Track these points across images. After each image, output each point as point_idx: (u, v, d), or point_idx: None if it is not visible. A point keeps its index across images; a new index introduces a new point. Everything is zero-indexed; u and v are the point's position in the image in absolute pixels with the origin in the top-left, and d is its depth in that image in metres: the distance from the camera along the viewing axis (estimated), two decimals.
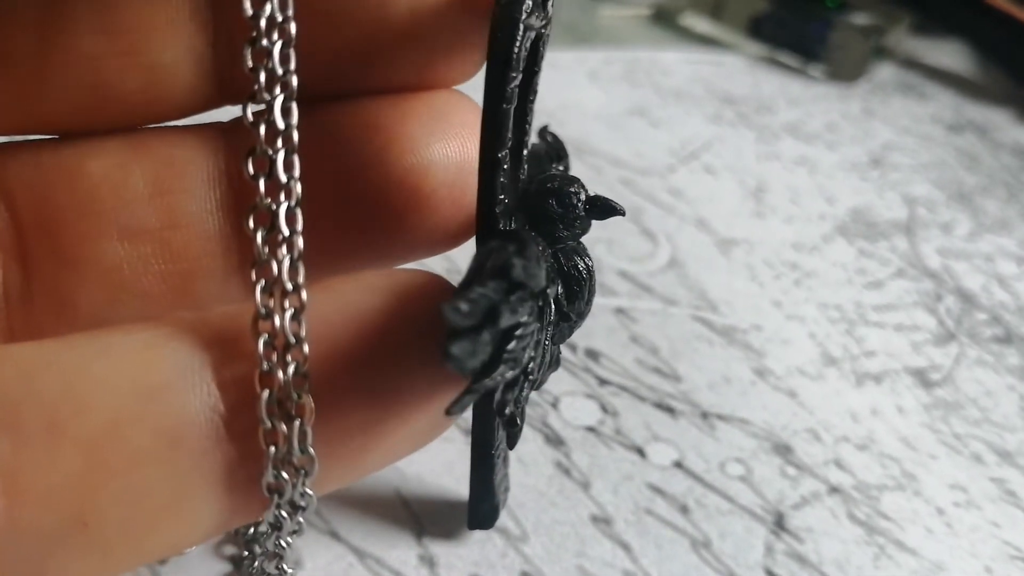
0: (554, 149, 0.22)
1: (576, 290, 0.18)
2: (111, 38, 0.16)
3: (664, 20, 0.48)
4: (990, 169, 0.41)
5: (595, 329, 0.28)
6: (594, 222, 0.20)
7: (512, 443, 0.20)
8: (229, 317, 0.15)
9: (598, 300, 0.21)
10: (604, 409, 0.26)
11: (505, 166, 0.16)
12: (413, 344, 0.15)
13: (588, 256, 0.18)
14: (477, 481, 0.21)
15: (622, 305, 0.30)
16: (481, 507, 0.21)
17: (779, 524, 0.24)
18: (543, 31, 0.17)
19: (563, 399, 0.26)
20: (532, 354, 0.16)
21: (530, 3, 0.15)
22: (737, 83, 0.44)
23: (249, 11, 0.15)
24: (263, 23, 0.15)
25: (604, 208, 0.18)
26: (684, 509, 0.24)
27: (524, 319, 0.15)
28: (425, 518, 0.22)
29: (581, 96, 0.40)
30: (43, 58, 0.15)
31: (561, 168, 0.21)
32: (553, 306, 0.17)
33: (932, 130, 0.43)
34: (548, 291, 0.16)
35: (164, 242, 0.17)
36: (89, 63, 0.16)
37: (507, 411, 0.16)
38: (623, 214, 0.18)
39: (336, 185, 0.17)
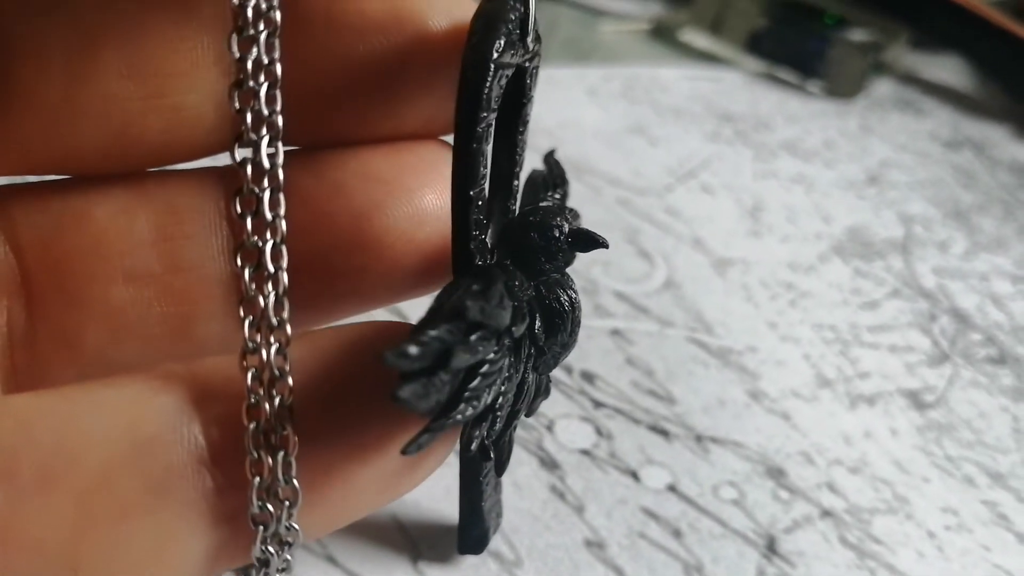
0: (553, 176, 0.22)
1: (558, 323, 0.18)
2: (138, 81, 0.16)
3: (663, 36, 0.49)
4: (987, 187, 0.41)
5: (591, 351, 0.29)
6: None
7: (500, 471, 0.20)
8: (215, 367, 0.16)
9: (594, 322, 0.22)
10: (599, 432, 0.26)
11: (480, 202, 0.16)
12: (379, 388, 0.15)
13: (572, 288, 0.18)
14: (466, 507, 0.21)
15: (618, 327, 0.30)
16: (471, 533, 0.22)
17: (771, 548, 0.24)
18: (527, 64, 0.17)
19: (558, 422, 0.26)
20: (502, 389, 0.16)
21: (501, 42, 0.15)
22: (735, 100, 0.44)
23: (236, 54, 0.15)
24: (250, 65, 0.16)
25: (587, 241, 0.18)
26: (677, 533, 0.24)
27: (489, 357, 0.15)
28: (421, 543, 0.23)
29: (580, 114, 0.41)
30: (70, 99, 0.16)
31: (558, 196, 0.21)
32: (531, 340, 0.17)
33: (929, 147, 0.43)
34: (515, 329, 0.16)
35: (167, 286, 0.17)
36: (115, 105, 0.16)
37: (472, 447, 0.16)
38: (606, 247, 0.18)
39: (328, 234, 0.17)
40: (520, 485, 0.25)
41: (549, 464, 0.25)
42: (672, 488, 0.25)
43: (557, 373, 0.28)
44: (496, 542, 0.23)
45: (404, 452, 0.15)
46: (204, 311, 0.17)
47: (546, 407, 0.27)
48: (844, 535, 0.24)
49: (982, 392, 0.30)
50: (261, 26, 0.16)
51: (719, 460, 0.26)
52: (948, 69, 0.50)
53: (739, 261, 0.34)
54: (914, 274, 0.35)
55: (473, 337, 0.15)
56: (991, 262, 0.36)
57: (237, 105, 0.16)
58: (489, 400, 0.16)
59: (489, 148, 0.16)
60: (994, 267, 0.36)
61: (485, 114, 0.16)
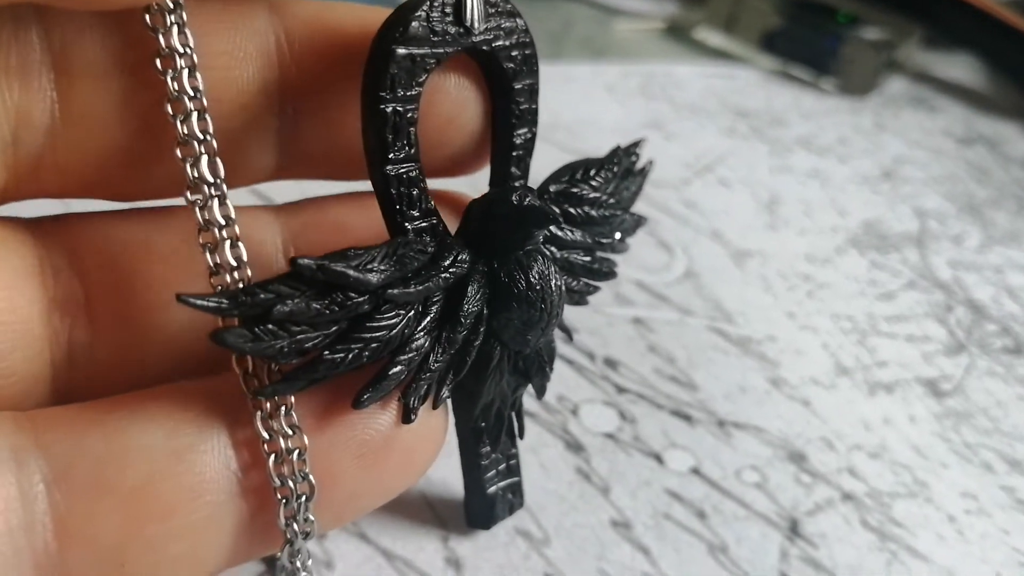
0: (601, 162, 0.22)
1: (509, 300, 0.18)
2: None
3: (678, 34, 0.49)
4: (1000, 182, 0.41)
5: (613, 338, 0.29)
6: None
7: (518, 434, 0.22)
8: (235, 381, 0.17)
9: (616, 310, 0.22)
10: (623, 416, 0.27)
11: (404, 178, 0.18)
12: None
13: (541, 269, 0.19)
14: (468, 482, 0.22)
15: (640, 315, 0.30)
16: (474, 508, 0.23)
17: (794, 530, 0.24)
18: (484, 44, 0.18)
19: (583, 407, 0.27)
20: (414, 351, 0.17)
21: (402, 31, 0.17)
22: (750, 97, 0.45)
23: (170, 115, 0.17)
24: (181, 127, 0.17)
25: (535, 216, 0.18)
26: (701, 514, 0.24)
27: (300, 307, 0.16)
28: (450, 521, 0.23)
29: (598, 110, 0.41)
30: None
31: (594, 180, 0.22)
32: (466, 313, 0.18)
33: (943, 143, 0.44)
34: (391, 292, 0.17)
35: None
36: None
37: (410, 407, 0.18)
38: (556, 222, 0.19)
39: None
40: (547, 467, 0.25)
41: (574, 447, 0.26)
42: (696, 471, 0.25)
43: (580, 359, 0.28)
44: (524, 521, 0.23)
45: (355, 406, 0.17)
46: None
47: (570, 392, 0.27)
48: (865, 518, 0.25)
49: (998, 381, 0.30)
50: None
51: (741, 444, 0.26)
52: (960, 67, 0.50)
53: (757, 253, 0.34)
54: (929, 266, 0.35)
55: (309, 295, 0.16)
56: (1005, 255, 0.36)
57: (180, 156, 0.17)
58: (367, 356, 0.17)
59: (407, 127, 0.17)
60: (1008, 260, 0.36)
61: (386, 94, 0.17)
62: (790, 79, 0.47)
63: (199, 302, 0.15)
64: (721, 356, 0.29)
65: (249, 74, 0.18)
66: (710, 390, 0.28)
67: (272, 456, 0.17)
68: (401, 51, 0.17)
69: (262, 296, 0.16)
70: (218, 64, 0.17)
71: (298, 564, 0.18)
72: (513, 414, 0.22)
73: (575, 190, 0.21)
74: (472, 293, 0.18)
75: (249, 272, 0.17)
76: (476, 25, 0.18)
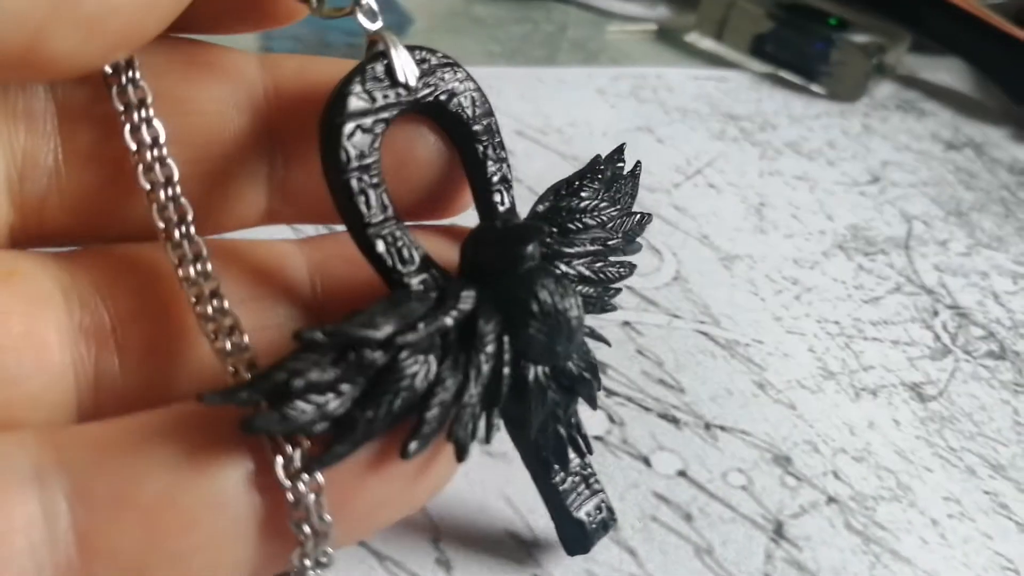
0: (589, 172, 0.22)
1: (520, 319, 0.19)
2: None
3: (670, 38, 0.49)
4: (987, 186, 0.42)
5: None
6: None
7: (585, 450, 0.22)
8: None
9: (605, 314, 0.23)
10: (611, 419, 0.27)
11: (386, 232, 0.18)
12: None
13: (545, 288, 0.19)
14: (550, 508, 0.22)
15: (628, 319, 0.31)
16: (566, 533, 0.23)
17: (779, 532, 0.25)
18: (432, 96, 0.19)
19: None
20: (421, 388, 0.17)
21: (348, 104, 0.18)
22: (740, 100, 0.45)
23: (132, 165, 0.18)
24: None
25: (515, 237, 0.19)
26: (688, 517, 0.25)
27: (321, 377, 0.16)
28: (441, 523, 0.23)
29: (589, 113, 0.42)
30: None
31: (584, 190, 0.22)
32: (485, 340, 0.18)
33: (930, 147, 0.44)
34: (399, 338, 0.17)
35: (259, 346, 0.18)
36: None
37: (456, 442, 0.18)
38: (541, 233, 0.19)
39: None
40: None
41: None
42: (682, 473, 0.26)
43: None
44: (514, 523, 0.24)
45: (403, 457, 0.17)
46: None
47: None
48: (849, 521, 0.25)
49: (983, 385, 0.31)
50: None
51: (728, 447, 0.27)
52: (948, 71, 0.51)
53: (745, 256, 0.35)
54: (916, 270, 0.35)
55: (323, 364, 0.16)
56: (991, 260, 0.37)
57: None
58: (399, 406, 0.17)
59: (375, 192, 0.18)
60: (994, 264, 0.37)
61: (344, 169, 0.18)
62: (780, 83, 0.47)
63: (220, 398, 0.16)
64: (708, 359, 0.30)
65: (239, 122, 0.19)
66: (697, 393, 0.28)
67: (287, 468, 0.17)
68: (348, 126, 0.18)
69: (277, 377, 0.16)
70: (210, 110, 0.18)
71: (307, 564, 0.18)
72: (574, 432, 0.22)
73: (563, 204, 0.21)
74: (484, 323, 0.18)
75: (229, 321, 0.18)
76: (412, 83, 0.19)
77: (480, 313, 0.18)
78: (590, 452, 0.22)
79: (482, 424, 0.19)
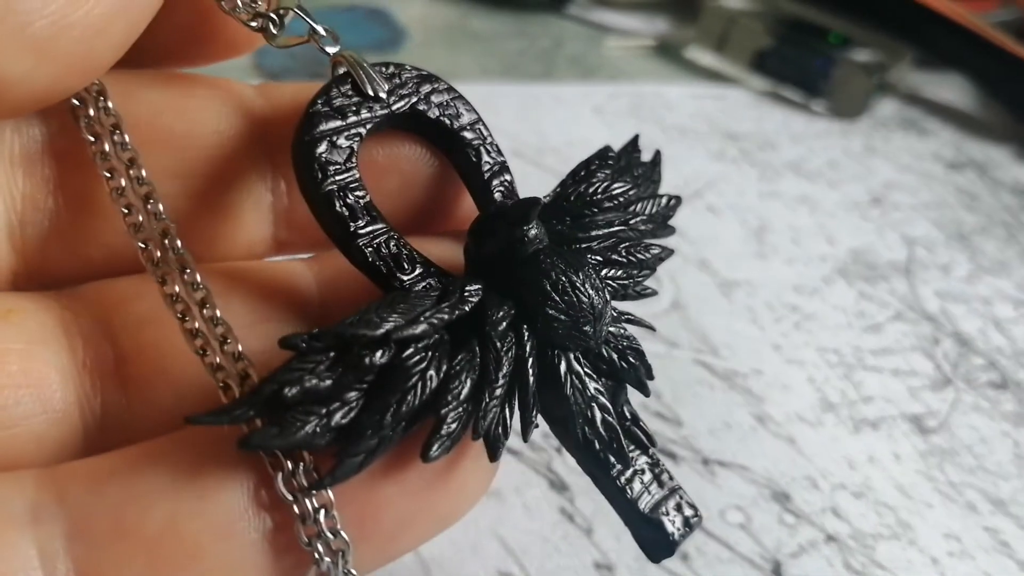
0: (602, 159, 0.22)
1: (535, 300, 0.18)
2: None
3: (669, 53, 0.49)
4: (990, 208, 0.41)
5: None
6: None
7: (646, 441, 0.20)
8: None
9: None
10: None
11: (376, 238, 0.18)
12: None
13: (558, 268, 0.18)
14: (619, 511, 0.20)
15: None
16: (642, 535, 0.20)
17: (777, 572, 0.24)
18: (405, 108, 0.19)
19: None
20: (442, 381, 0.17)
21: (320, 127, 0.18)
22: (740, 119, 0.44)
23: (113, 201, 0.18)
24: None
25: (516, 211, 0.18)
26: (685, 557, 0.24)
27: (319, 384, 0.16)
28: (432, 563, 0.23)
29: (587, 132, 0.41)
30: None
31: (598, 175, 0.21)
32: (494, 327, 0.17)
33: (932, 168, 0.44)
34: (403, 333, 0.16)
35: (263, 366, 0.17)
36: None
37: (482, 437, 0.17)
38: (536, 204, 0.18)
39: None
40: (530, 507, 0.25)
41: (558, 486, 0.25)
42: None
43: None
44: (507, 563, 0.23)
45: (424, 460, 0.16)
46: None
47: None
48: (848, 560, 0.25)
49: (984, 417, 0.30)
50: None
51: (726, 483, 0.26)
52: (951, 88, 0.50)
53: (744, 283, 0.34)
54: (917, 297, 0.35)
55: (318, 371, 0.15)
56: (993, 285, 0.36)
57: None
58: (407, 407, 0.16)
59: (357, 202, 0.18)
60: (996, 291, 0.36)
61: (320, 179, 0.18)
62: (781, 100, 0.46)
63: (209, 418, 0.15)
64: (707, 391, 0.29)
65: (240, 150, 0.19)
66: (695, 426, 0.28)
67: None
68: (320, 143, 0.18)
69: (267, 389, 0.15)
70: (211, 143, 0.19)
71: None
72: (630, 425, 0.20)
73: (571, 190, 0.21)
74: (492, 311, 0.17)
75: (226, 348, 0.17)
76: (379, 93, 0.19)
77: (487, 302, 0.18)
78: (653, 445, 0.20)
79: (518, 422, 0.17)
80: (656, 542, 0.20)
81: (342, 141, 0.18)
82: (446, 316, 0.17)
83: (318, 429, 0.15)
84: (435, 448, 0.16)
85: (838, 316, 0.33)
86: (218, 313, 0.17)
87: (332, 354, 0.16)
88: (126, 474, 0.16)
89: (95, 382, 0.18)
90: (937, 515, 0.27)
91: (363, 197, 0.18)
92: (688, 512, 0.20)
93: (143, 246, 0.18)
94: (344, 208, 0.18)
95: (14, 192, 0.18)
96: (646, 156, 0.23)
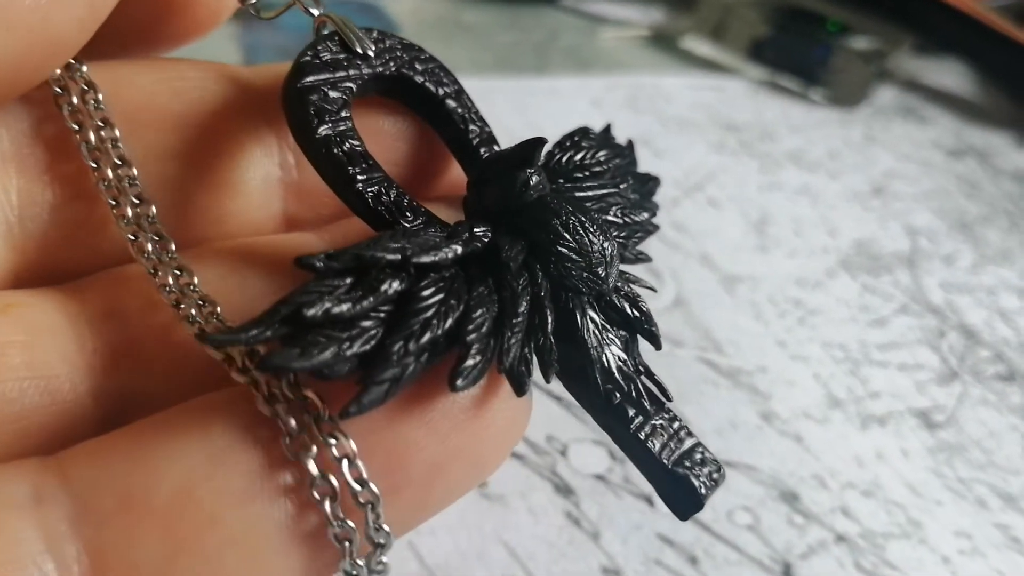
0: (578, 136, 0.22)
1: (556, 242, 0.18)
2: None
3: (665, 43, 0.48)
4: (991, 196, 0.41)
5: None
6: None
7: (660, 395, 0.19)
8: None
9: None
10: (612, 456, 0.26)
11: (373, 183, 0.18)
12: None
13: (565, 213, 0.18)
14: (643, 468, 0.19)
15: None
16: (670, 494, 0.19)
17: (787, 574, 0.24)
18: (394, 69, 0.19)
19: (571, 446, 0.26)
20: (448, 314, 0.16)
21: (307, 80, 0.18)
22: (739, 109, 0.44)
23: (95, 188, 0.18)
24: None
25: (522, 151, 0.18)
26: (693, 560, 0.24)
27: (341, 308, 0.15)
28: (437, 569, 0.23)
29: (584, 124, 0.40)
30: None
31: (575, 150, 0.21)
32: (507, 263, 0.17)
33: (933, 156, 0.43)
34: (416, 259, 0.16)
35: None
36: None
37: (507, 369, 0.16)
38: (541, 143, 0.18)
39: None
40: (535, 511, 0.24)
41: (564, 490, 0.25)
42: None
43: (569, 395, 0.28)
44: (513, 568, 0.23)
45: (452, 389, 0.15)
46: None
47: (559, 431, 0.26)
48: (859, 560, 0.24)
49: (991, 410, 0.30)
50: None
51: (733, 484, 0.26)
52: (950, 74, 0.50)
53: (747, 277, 0.34)
54: (922, 289, 0.35)
55: (336, 294, 0.15)
56: (998, 275, 0.36)
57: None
58: (430, 335, 0.15)
59: (354, 148, 0.18)
60: (1001, 280, 0.36)
61: (315, 122, 0.17)
62: (779, 90, 0.46)
63: (225, 338, 0.14)
64: (711, 389, 0.29)
65: (241, 127, 0.19)
66: (701, 426, 0.27)
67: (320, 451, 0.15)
68: (312, 92, 0.18)
69: (284, 310, 0.14)
70: (209, 122, 0.18)
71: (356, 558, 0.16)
72: (644, 378, 0.19)
73: (556, 157, 0.21)
74: (507, 247, 0.17)
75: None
76: (367, 51, 0.19)
77: (500, 240, 0.17)
78: (669, 399, 0.19)
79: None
80: (682, 497, 0.19)
81: (333, 92, 0.18)
82: (460, 249, 0.16)
83: (339, 353, 0.15)
84: (462, 378, 0.15)
85: (842, 310, 0.33)
86: (196, 284, 0.17)
87: (349, 280, 0.15)
88: (131, 446, 0.15)
89: (107, 369, 0.17)
90: (947, 512, 0.26)
91: (359, 146, 0.18)
92: (711, 467, 0.19)
93: (132, 238, 0.18)
94: (341, 152, 0.17)
95: (8, 188, 0.17)
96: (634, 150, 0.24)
